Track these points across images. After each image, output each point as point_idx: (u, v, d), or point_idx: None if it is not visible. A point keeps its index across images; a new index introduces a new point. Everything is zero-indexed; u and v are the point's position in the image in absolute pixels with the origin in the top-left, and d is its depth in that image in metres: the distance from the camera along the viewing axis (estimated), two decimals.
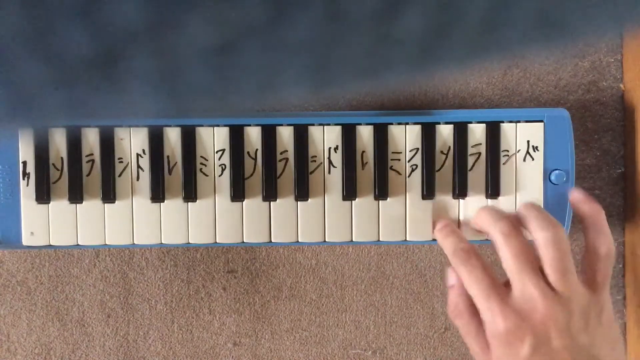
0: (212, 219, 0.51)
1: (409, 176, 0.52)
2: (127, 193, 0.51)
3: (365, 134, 0.52)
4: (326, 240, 0.52)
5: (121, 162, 0.51)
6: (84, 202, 0.51)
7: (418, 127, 0.52)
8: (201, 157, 0.51)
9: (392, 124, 0.52)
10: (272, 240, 0.52)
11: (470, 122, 0.52)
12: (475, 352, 0.45)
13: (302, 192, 0.51)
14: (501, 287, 0.43)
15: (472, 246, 0.46)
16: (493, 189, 0.52)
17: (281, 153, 0.51)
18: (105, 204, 0.51)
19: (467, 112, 0.53)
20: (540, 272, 0.43)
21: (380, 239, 0.52)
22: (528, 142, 0.52)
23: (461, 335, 0.46)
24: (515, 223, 0.45)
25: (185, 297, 0.56)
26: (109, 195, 0.50)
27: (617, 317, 0.57)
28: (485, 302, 0.42)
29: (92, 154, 0.51)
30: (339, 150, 0.52)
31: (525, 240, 0.44)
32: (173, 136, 0.51)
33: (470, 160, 0.52)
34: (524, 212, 0.46)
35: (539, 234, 0.43)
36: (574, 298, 0.42)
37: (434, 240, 0.52)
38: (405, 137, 0.52)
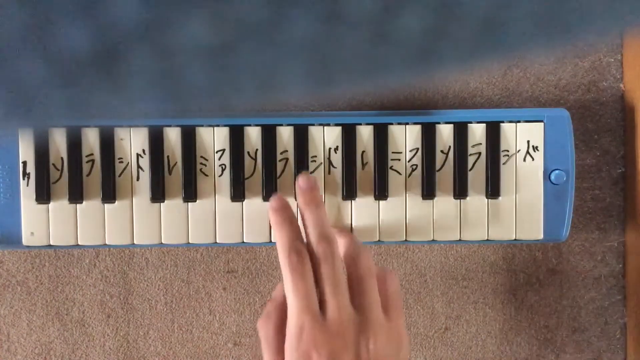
0: (212, 219, 0.51)
1: (409, 176, 0.52)
2: (127, 193, 0.51)
3: (365, 134, 0.52)
4: None
5: (121, 162, 0.51)
6: (84, 202, 0.51)
7: (418, 127, 0.52)
8: (201, 157, 0.51)
9: (392, 124, 0.52)
10: (272, 240, 0.52)
11: (470, 122, 0.52)
12: None
13: None
14: (316, 304, 0.43)
15: (305, 250, 0.45)
16: (493, 189, 0.52)
17: (281, 153, 0.51)
18: (105, 204, 0.51)
19: (467, 112, 0.53)
20: (347, 292, 0.44)
21: (380, 239, 0.52)
22: (528, 142, 0.52)
23: (261, 345, 0.46)
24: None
25: (185, 297, 0.56)
26: (109, 195, 0.50)
27: (617, 317, 0.57)
28: (299, 316, 0.42)
29: (92, 154, 0.51)
30: (339, 150, 0.52)
31: (339, 261, 0.45)
32: (173, 136, 0.51)
33: (470, 160, 0.52)
34: (342, 246, 0.47)
35: (351, 269, 0.45)
36: (373, 322, 0.43)
37: (434, 240, 0.52)
38: (405, 137, 0.52)
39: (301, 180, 0.48)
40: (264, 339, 0.45)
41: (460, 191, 0.52)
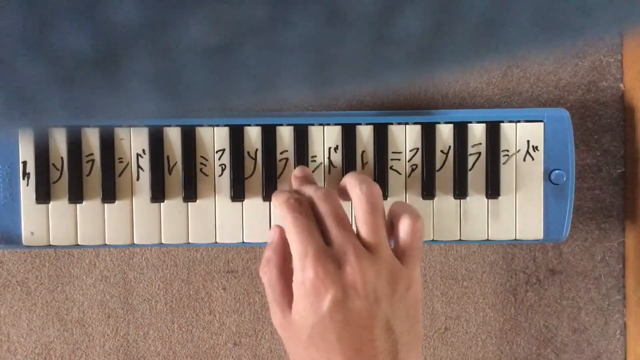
0: (212, 219, 0.51)
1: (409, 176, 0.52)
2: (127, 193, 0.51)
3: (365, 134, 0.52)
4: None
5: (121, 162, 0.51)
6: (84, 202, 0.51)
7: (418, 127, 0.52)
8: (201, 157, 0.51)
9: (392, 123, 0.52)
10: None
11: (470, 122, 0.52)
12: (275, 312, 0.43)
13: None
14: (320, 238, 0.41)
15: (307, 199, 0.43)
16: (493, 189, 0.52)
17: (281, 153, 0.51)
18: (105, 204, 0.51)
19: (467, 112, 0.53)
20: (356, 233, 0.42)
21: None
22: (528, 142, 0.52)
23: (266, 292, 0.44)
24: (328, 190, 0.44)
25: (185, 297, 0.56)
26: (109, 195, 0.50)
27: (617, 317, 0.57)
28: (302, 247, 0.40)
29: (92, 154, 0.51)
30: (339, 150, 0.52)
31: (339, 203, 0.43)
32: (173, 136, 0.51)
33: (470, 160, 0.52)
34: (345, 180, 0.45)
35: (354, 191, 0.42)
36: (383, 258, 0.40)
37: (434, 240, 0.52)
38: (405, 137, 0.52)
39: (296, 170, 0.50)
40: (268, 284, 0.44)
41: (460, 191, 0.52)
